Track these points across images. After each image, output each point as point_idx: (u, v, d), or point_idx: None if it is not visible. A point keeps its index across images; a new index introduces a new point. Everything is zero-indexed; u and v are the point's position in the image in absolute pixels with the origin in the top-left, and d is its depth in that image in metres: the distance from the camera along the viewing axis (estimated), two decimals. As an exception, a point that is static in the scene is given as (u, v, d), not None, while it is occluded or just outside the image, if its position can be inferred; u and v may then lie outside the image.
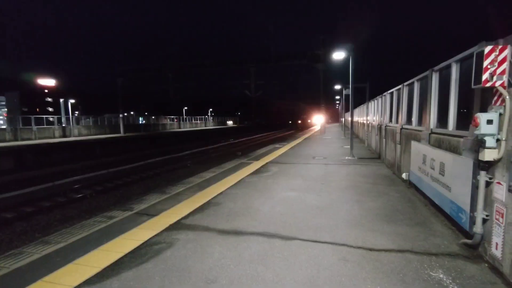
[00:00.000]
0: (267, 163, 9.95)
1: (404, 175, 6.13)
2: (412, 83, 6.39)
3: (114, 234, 3.91)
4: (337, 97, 47.81)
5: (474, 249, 3.21)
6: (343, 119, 58.85)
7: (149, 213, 4.77)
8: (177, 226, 4.22)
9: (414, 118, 6.24)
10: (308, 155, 11.82)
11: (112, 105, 33.57)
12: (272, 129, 63.24)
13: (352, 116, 12.50)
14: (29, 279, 2.83)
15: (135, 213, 4.83)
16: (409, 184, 5.95)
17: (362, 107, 20.32)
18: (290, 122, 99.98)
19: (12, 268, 3.07)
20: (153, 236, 3.84)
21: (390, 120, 9.13)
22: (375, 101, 12.88)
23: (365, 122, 16.98)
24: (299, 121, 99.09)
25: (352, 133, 12.50)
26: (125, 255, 3.32)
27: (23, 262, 3.18)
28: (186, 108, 58.26)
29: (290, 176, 7.73)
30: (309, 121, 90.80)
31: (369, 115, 14.52)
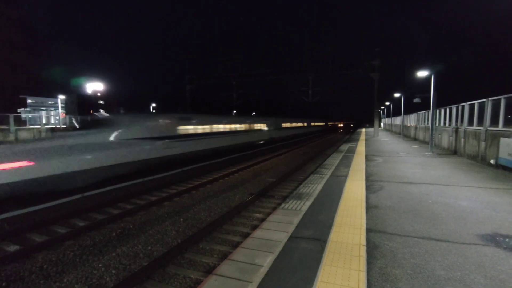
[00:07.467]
0: (366, 155, 13.15)
1: (492, 161, 9.13)
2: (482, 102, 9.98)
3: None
4: (387, 103, 50.20)
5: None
6: (383, 123, 61.00)
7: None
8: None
9: (501, 122, 9.20)
10: (391, 151, 14.87)
11: (183, 109, 38.24)
12: (328, 132, 67.83)
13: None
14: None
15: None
16: (497, 166, 8.94)
17: (420, 114, 22.91)
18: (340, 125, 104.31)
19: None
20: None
21: (469, 124, 11.97)
22: (446, 109, 15.69)
23: (423, 126, 19.54)
24: (341, 125, 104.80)
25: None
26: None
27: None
28: (254, 113, 61.76)
29: (398, 163, 10.90)
30: (346, 124, 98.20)
31: (440, 120, 17.10)
